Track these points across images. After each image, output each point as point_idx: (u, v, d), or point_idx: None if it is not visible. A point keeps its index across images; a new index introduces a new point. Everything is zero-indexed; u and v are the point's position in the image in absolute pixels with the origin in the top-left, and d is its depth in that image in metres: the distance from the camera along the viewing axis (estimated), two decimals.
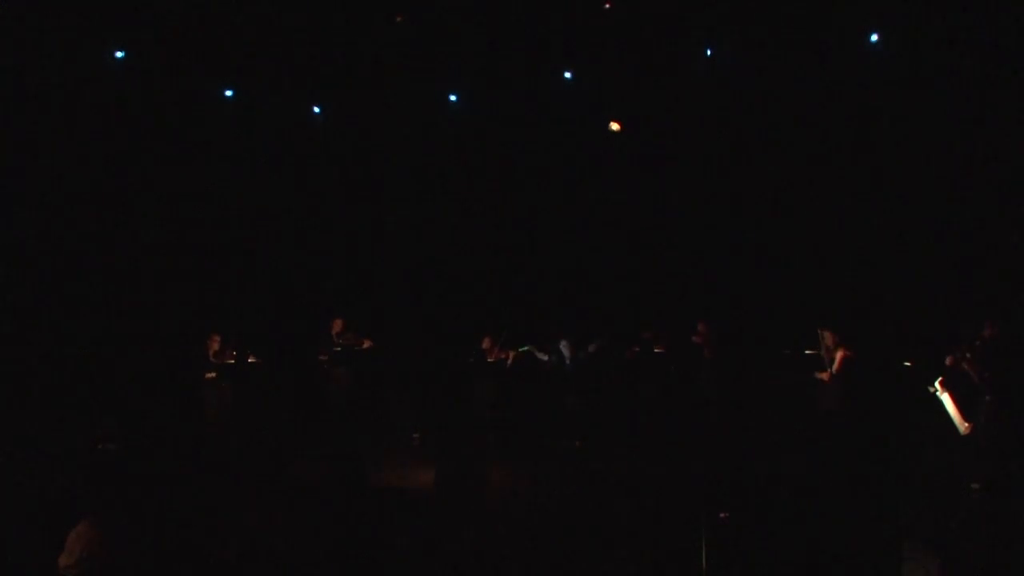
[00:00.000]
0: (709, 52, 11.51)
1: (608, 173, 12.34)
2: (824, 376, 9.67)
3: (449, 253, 12.87)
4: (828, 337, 9.93)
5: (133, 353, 11.14)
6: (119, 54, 11.21)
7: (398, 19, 11.65)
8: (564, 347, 11.20)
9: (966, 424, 8.19)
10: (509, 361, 11.19)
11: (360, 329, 11.58)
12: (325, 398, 11.53)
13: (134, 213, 11.81)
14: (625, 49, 11.51)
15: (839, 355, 9.81)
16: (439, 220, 12.93)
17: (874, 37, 10.77)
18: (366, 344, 11.46)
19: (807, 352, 10.15)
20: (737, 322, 11.20)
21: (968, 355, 8.26)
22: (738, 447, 10.02)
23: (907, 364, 9.16)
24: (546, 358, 11.26)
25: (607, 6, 11.25)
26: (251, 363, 10.83)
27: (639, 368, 11.15)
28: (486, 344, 11.25)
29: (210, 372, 10.63)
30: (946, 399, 8.31)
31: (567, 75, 11.99)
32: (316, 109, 12.72)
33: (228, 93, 12.13)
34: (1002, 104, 10.14)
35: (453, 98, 12.51)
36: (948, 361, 8.36)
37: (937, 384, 8.35)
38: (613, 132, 12.08)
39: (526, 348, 11.25)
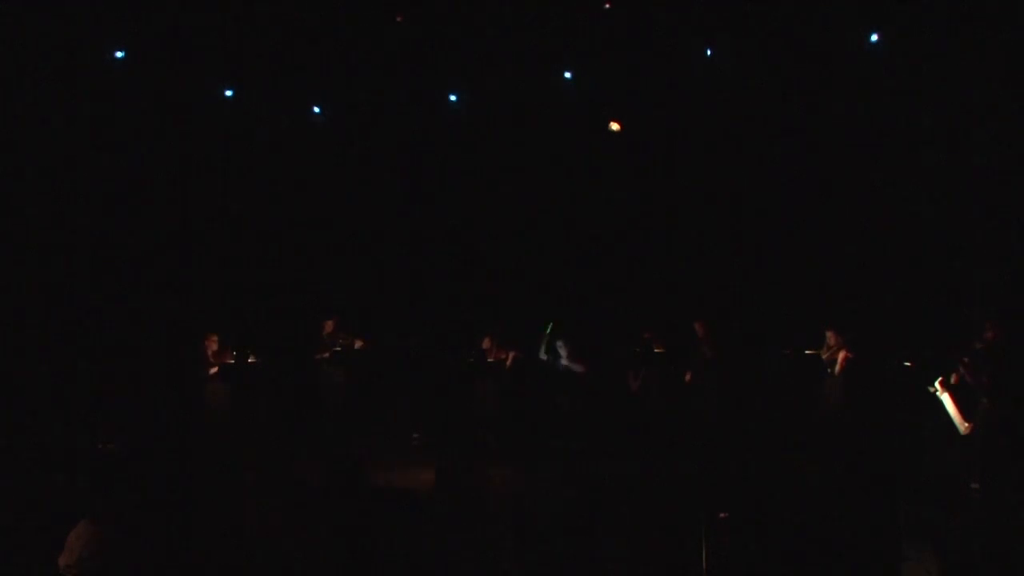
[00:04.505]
0: (709, 52, 11.52)
1: (608, 173, 12.34)
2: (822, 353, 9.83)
3: (449, 253, 12.88)
4: (831, 337, 9.94)
5: (133, 353, 11.14)
6: (119, 54, 11.21)
7: (398, 19, 11.65)
8: (560, 347, 11.21)
9: (966, 424, 8.19)
10: (509, 361, 11.20)
11: (352, 329, 11.58)
12: (324, 398, 11.54)
13: (134, 213, 11.80)
14: (625, 49, 11.51)
15: (841, 356, 9.82)
16: (438, 220, 12.93)
17: (874, 37, 10.77)
18: (358, 344, 11.46)
19: (807, 352, 10.16)
20: (737, 322, 11.21)
21: (966, 360, 8.26)
22: (738, 447, 10.02)
23: (907, 364, 9.16)
24: (545, 357, 11.27)
25: (607, 6, 11.24)
26: (251, 363, 10.82)
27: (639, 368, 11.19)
28: (486, 344, 11.25)
29: (212, 369, 10.61)
30: (946, 399, 8.31)
31: (567, 75, 11.99)
32: (316, 109, 12.72)
33: (228, 93, 12.13)
34: (1002, 105, 10.14)
35: (453, 98, 12.51)
36: (954, 379, 8.33)
37: (937, 384, 8.35)
38: (613, 132, 12.08)
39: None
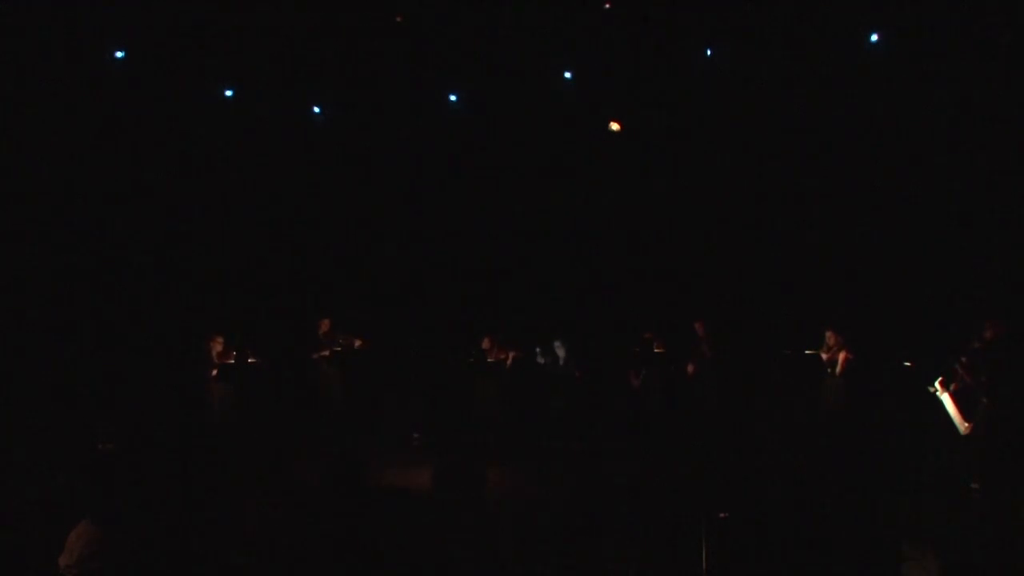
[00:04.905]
0: (709, 52, 11.52)
1: (608, 173, 12.35)
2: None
3: (449, 253, 12.88)
4: (830, 337, 9.94)
5: (134, 353, 11.15)
6: (119, 54, 11.21)
7: (398, 19, 11.65)
8: (558, 348, 11.22)
9: (966, 424, 8.19)
10: (508, 361, 11.20)
11: (353, 328, 11.58)
12: (324, 398, 11.54)
13: (133, 213, 11.81)
14: (625, 49, 11.51)
15: (841, 356, 9.82)
16: (439, 220, 12.94)
17: (874, 37, 10.77)
18: (357, 344, 11.46)
19: (807, 352, 10.17)
20: (737, 322, 11.21)
21: (964, 359, 8.26)
22: (738, 447, 10.02)
23: (907, 364, 9.17)
24: (543, 360, 11.28)
25: (607, 6, 11.25)
26: (251, 363, 10.83)
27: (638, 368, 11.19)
28: (486, 344, 11.25)
29: (213, 371, 10.64)
30: (946, 399, 8.31)
31: (567, 75, 12.00)
32: (316, 109, 12.72)
33: (228, 93, 12.14)
34: (1002, 104, 10.14)
35: (453, 98, 12.51)
36: (953, 387, 8.32)
37: (937, 384, 8.35)
38: (613, 132, 12.08)
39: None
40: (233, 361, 10.71)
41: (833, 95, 11.02)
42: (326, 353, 11.44)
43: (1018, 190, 10.05)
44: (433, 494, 7.97)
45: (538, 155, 12.39)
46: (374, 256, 13.14)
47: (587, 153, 12.33)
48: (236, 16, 11.14)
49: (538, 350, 11.32)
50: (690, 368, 10.88)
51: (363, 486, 7.15)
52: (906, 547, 6.43)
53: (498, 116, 12.40)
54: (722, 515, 6.18)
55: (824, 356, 10.00)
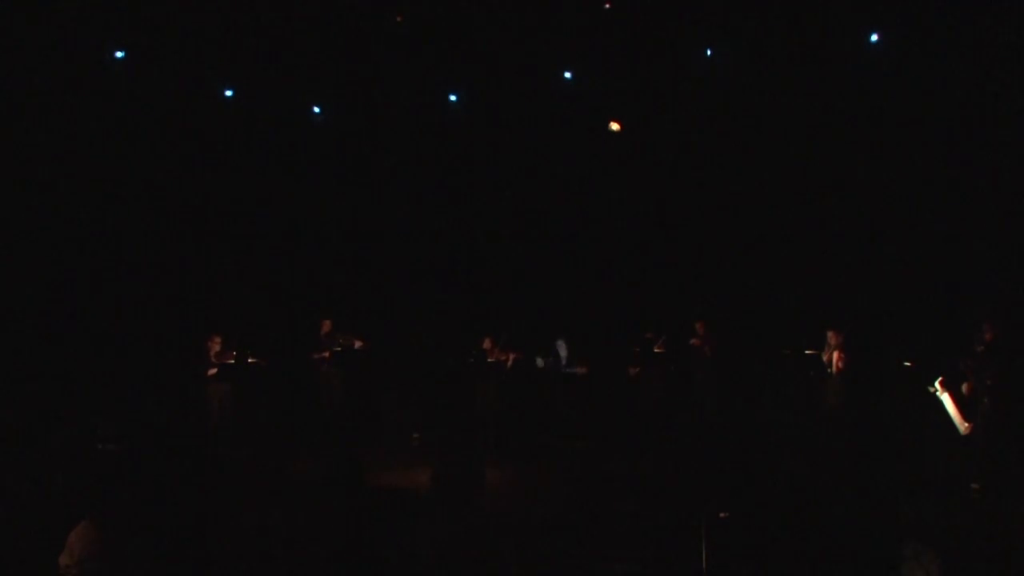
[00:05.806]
0: (709, 52, 11.53)
1: (608, 173, 12.35)
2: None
3: (449, 253, 12.89)
4: (831, 337, 9.94)
5: (134, 353, 11.15)
6: (119, 54, 11.21)
7: (398, 19, 11.65)
8: (560, 347, 11.21)
9: (966, 424, 8.19)
10: (509, 362, 11.21)
11: (354, 329, 11.59)
12: (324, 398, 11.54)
13: (134, 213, 11.81)
14: (625, 49, 11.52)
15: (835, 356, 9.82)
16: (439, 220, 12.94)
17: (874, 37, 10.78)
18: (358, 344, 11.47)
19: (807, 352, 10.17)
20: (737, 322, 11.22)
21: (970, 361, 8.26)
22: (738, 447, 10.02)
23: (907, 364, 9.17)
24: (543, 363, 11.28)
25: (607, 6, 11.25)
26: (251, 363, 10.83)
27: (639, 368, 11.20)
28: (486, 345, 11.26)
29: (212, 370, 10.65)
30: (946, 399, 8.31)
31: (567, 75, 12.00)
32: (316, 109, 12.73)
33: (228, 93, 12.14)
34: (1002, 105, 10.14)
35: (453, 98, 12.52)
36: (966, 389, 8.31)
37: (937, 384, 8.35)
38: (613, 132, 12.09)
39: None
40: (233, 361, 10.71)
41: (833, 95, 11.02)
42: (326, 354, 11.43)
43: (1018, 190, 10.05)
44: (433, 494, 7.98)
45: (538, 155, 12.39)
46: (374, 256, 13.14)
47: (587, 153, 12.33)
48: (236, 16, 11.14)
49: (560, 345, 11.31)
50: (694, 341, 10.87)
51: (363, 486, 7.16)
52: (906, 547, 6.42)
53: (498, 116, 12.40)
54: (722, 515, 6.18)
55: (825, 357, 10.00)
